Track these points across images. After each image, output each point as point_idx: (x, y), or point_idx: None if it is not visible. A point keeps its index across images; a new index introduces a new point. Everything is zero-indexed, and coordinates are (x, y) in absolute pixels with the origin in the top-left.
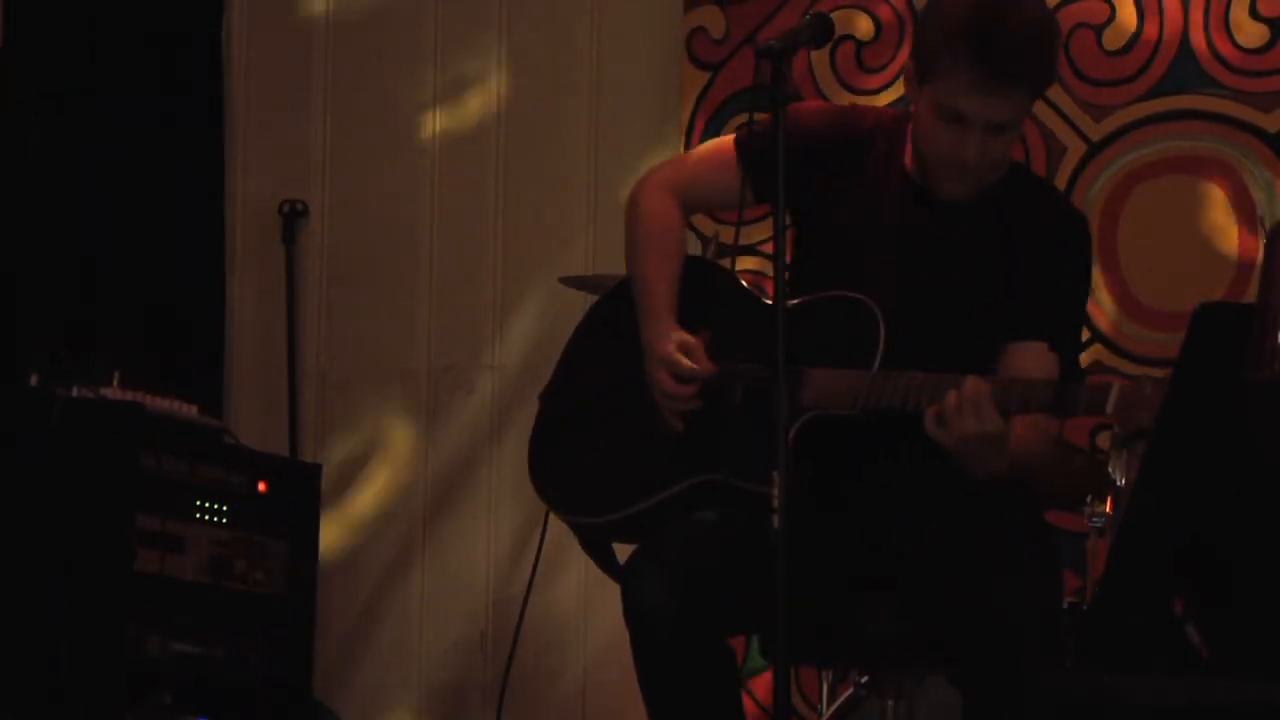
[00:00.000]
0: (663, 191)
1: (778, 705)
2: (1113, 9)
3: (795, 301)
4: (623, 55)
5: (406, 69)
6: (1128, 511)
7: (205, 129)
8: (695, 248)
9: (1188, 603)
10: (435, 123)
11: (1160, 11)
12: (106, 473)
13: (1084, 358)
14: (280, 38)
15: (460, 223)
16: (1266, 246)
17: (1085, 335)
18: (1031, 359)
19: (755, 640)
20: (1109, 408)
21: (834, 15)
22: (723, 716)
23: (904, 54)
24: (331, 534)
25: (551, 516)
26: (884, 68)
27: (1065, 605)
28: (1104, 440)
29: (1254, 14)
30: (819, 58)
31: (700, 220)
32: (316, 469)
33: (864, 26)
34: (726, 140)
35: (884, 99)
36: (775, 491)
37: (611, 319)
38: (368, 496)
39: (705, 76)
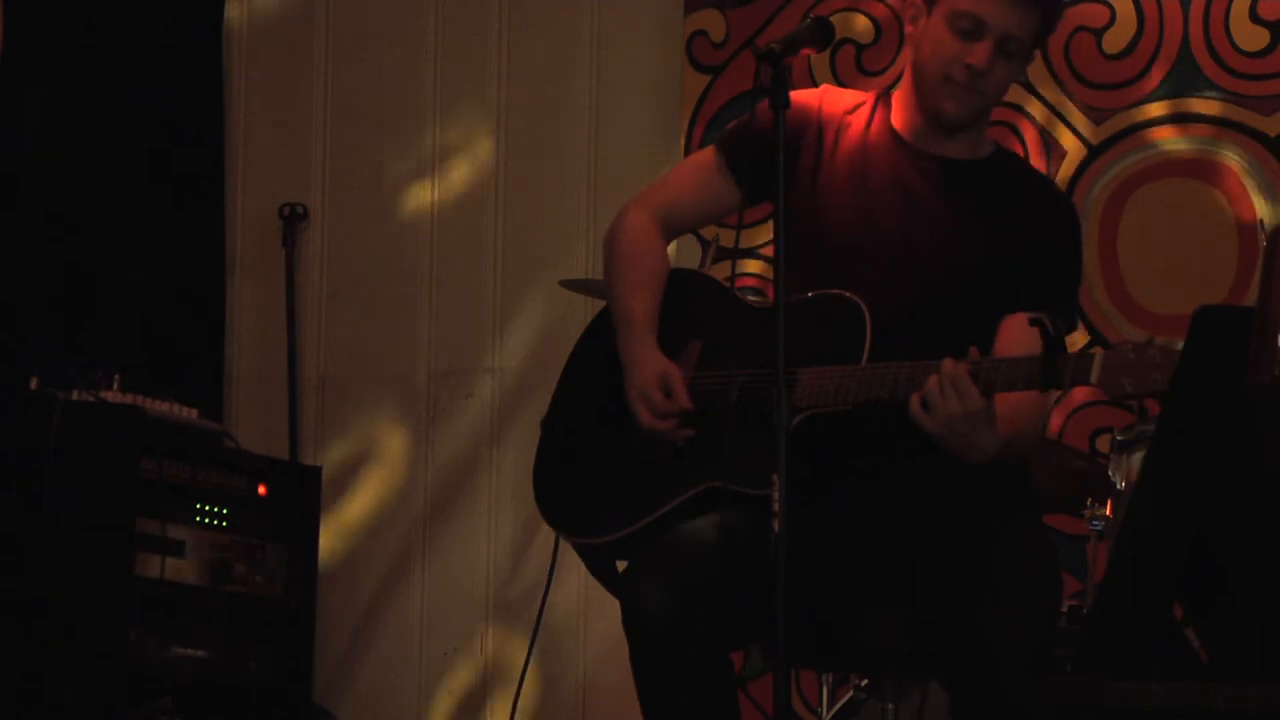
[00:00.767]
0: (639, 214)
1: (778, 710)
2: (1113, 12)
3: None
4: (623, 58)
5: (407, 72)
6: (1128, 515)
7: (206, 131)
8: (695, 252)
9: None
10: (436, 125)
11: (1160, 15)
12: (107, 476)
13: None
14: (280, 40)
15: (460, 225)
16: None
17: (1085, 339)
18: (1019, 333)
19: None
20: (1093, 377)
21: (834, 18)
22: None
23: (904, 56)
24: (331, 537)
25: None
26: (884, 70)
27: (1065, 608)
28: (1103, 443)
29: (1254, 17)
30: (819, 60)
31: None
32: (316, 472)
33: (864, 29)
34: (704, 151)
35: None
36: (775, 494)
37: (606, 336)
38: (368, 500)
39: (705, 79)
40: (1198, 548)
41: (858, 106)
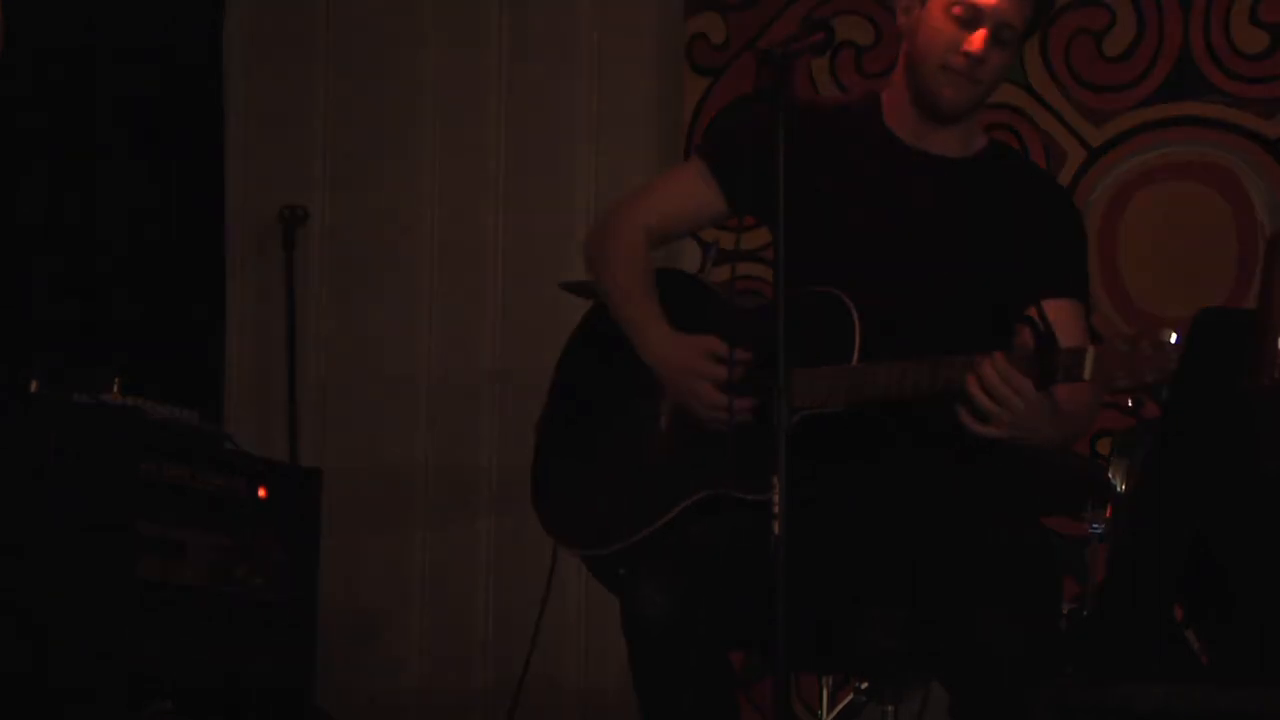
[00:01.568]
0: (627, 226)
1: (778, 714)
2: (1113, 15)
3: (766, 303)
4: (624, 60)
5: (407, 73)
6: (1129, 517)
7: (206, 133)
8: (695, 254)
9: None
10: (436, 127)
11: (1160, 18)
12: (107, 478)
13: None
14: (280, 41)
15: (461, 228)
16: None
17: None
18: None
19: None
20: (1086, 372)
21: (834, 21)
22: None
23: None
24: (331, 539)
25: None
26: (884, 73)
27: (1065, 611)
28: (1104, 446)
29: (1254, 20)
30: (819, 64)
31: None
32: (317, 474)
33: (864, 32)
34: (688, 163)
35: None
36: (775, 497)
37: (595, 340)
38: (368, 501)
39: (706, 82)
40: (1198, 549)
41: (847, 107)
